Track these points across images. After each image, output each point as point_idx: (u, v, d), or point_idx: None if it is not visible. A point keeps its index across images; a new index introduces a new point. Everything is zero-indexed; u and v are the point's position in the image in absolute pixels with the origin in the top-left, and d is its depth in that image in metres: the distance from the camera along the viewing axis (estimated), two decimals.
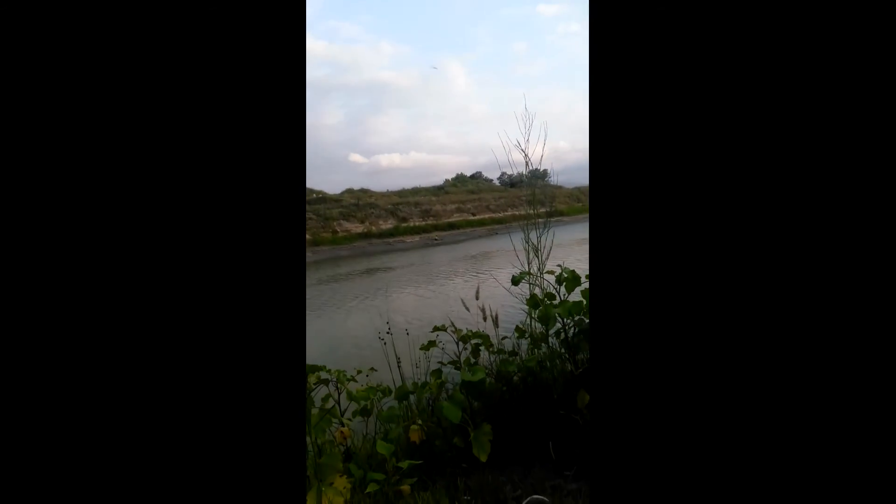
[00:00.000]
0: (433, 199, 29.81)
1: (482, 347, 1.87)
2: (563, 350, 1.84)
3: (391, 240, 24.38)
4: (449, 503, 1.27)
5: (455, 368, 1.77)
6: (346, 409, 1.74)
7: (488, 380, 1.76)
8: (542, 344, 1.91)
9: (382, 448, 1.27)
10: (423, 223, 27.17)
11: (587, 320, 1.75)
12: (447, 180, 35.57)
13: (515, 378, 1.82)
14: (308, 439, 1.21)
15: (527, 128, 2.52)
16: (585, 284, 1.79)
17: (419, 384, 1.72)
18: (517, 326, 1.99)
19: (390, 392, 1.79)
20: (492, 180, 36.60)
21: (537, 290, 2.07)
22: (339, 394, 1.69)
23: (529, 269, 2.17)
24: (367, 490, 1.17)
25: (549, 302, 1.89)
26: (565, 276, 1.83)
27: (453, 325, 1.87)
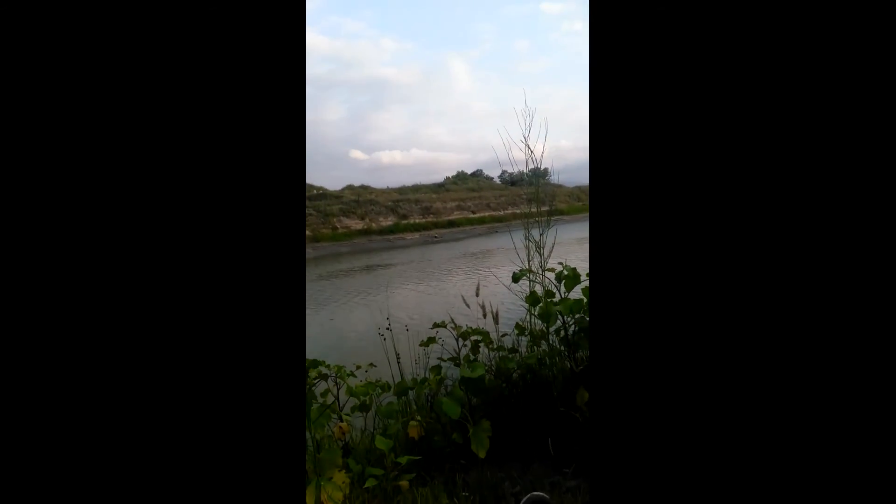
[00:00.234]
0: (433, 196, 29.78)
1: (482, 344, 1.87)
2: (562, 348, 1.84)
3: (391, 237, 24.38)
4: (447, 499, 1.27)
5: (455, 365, 1.77)
6: (344, 404, 1.73)
7: (488, 376, 1.75)
8: (542, 341, 1.91)
9: (381, 443, 1.27)
10: (424, 220, 27.16)
11: (587, 318, 1.74)
12: (448, 178, 35.54)
13: (515, 375, 1.82)
14: (308, 434, 1.21)
15: (528, 125, 2.51)
16: (585, 282, 1.78)
17: (418, 380, 1.72)
18: (517, 324, 1.99)
19: (389, 387, 1.79)
20: (493, 178, 36.57)
21: (538, 288, 2.07)
22: (339, 389, 1.69)
23: (530, 267, 2.17)
24: (366, 485, 1.17)
25: (549, 299, 1.89)
26: (566, 273, 1.83)
27: (453, 322, 1.87)
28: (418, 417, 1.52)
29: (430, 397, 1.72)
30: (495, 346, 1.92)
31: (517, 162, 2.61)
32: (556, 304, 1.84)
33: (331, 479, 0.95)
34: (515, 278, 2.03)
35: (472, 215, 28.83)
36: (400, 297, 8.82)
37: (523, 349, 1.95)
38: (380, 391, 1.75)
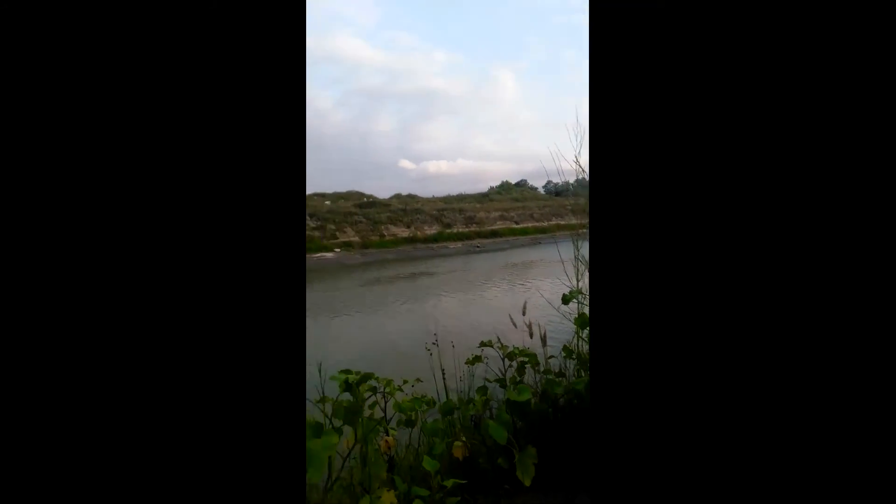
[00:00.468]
0: (477, 206, 29.80)
1: (528, 365, 1.84)
2: None
3: (435, 245, 24.65)
4: None
5: (500, 386, 1.76)
6: (391, 418, 1.77)
7: (534, 400, 1.72)
8: None
9: (428, 464, 1.28)
10: (467, 230, 27.21)
11: None
12: (492, 187, 35.44)
13: (562, 400, 1.77)
14: (357, 447, 1.25)
15: (577, 137, 2.46)
16: None
17: (464, 399, 1.72)
18: (565, 346, 1.93)
19: (434, 403, 1.80)
20: (537, 188, 35.99)
21: (587, 310, 2.01)
22: (386, 402, 1.73)
23: (579, 286, 2.11)
24: None
25: None
26: None
27: (500, 342, 1.86)
28: (463, 438, 1.53)
29: (475, 418, 1.71)
30: (542, 369, 1.88)
31: (564, 173, 2.57)
32: None
33: (380, 497, 0.98)
34: (566, 300, 1.98)
35: (515, 226, 28.51)
36: (443, 306, 8.87)
37: (571, 373, 1.90)
38: (426, 407, 1.77)
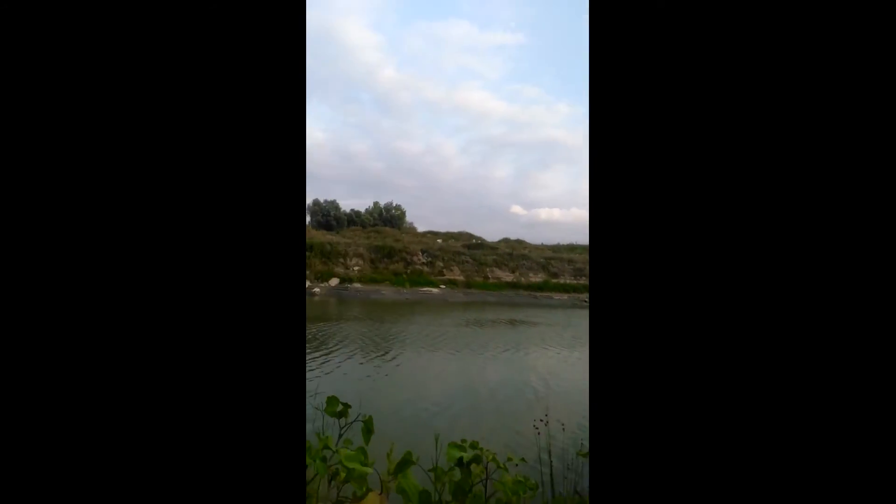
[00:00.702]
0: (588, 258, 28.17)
1: None
2: None
3: (538, 294, 23.86)
4: None
5: None
6: (490, 496, 1.68)
7: None
8: None
9: None
10: (575, 282, 25.82)
11: None
12: None
13: None
14: None
15: None
16: None
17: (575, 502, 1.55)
18: None
19: (537, 488, 1.66)
20: None
21: None
22: (487, 479, 1.65)
23: None
24: None
25: None
26: None
27: None
28: None
29: None
30: None
31: None
32: None
33: None
34: None
35: None
36: (547, 361, 8.39)
37: None
38: (530, 493, 1.64)
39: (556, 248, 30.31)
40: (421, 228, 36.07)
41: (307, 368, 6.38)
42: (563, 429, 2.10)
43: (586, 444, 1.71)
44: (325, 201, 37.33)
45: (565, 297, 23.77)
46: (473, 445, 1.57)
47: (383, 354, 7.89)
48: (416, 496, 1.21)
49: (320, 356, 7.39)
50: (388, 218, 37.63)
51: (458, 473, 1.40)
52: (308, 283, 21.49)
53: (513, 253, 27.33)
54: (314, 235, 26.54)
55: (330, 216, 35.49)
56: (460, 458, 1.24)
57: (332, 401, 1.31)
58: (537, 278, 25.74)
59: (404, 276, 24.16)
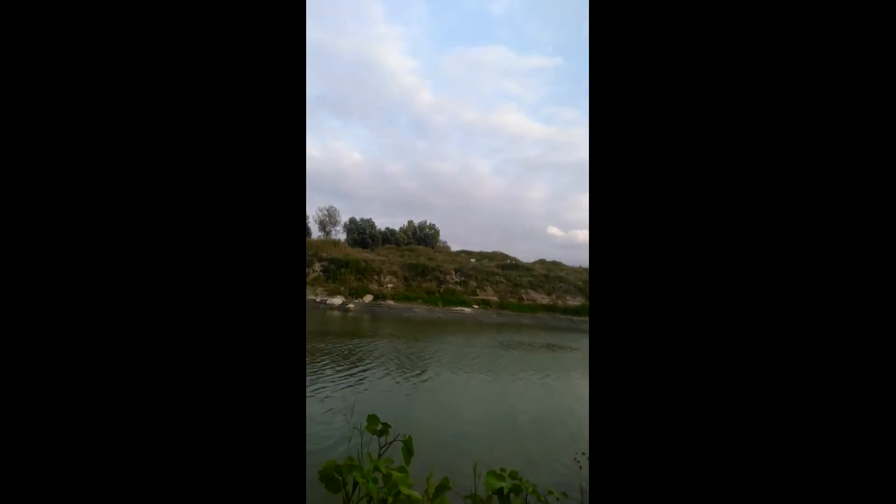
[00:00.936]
0: None
1: None
2: None
3: (576, 318, 23.09)
4: None
5: None
6: None
7: None
8: None
9: None
10: None
11: None
12: None
13: None
14: None
15: None
16: None
17: None
18: None
19: None
20: None
21: None
22: None
23: None
24: None
25: None
26: None
27: None
28: None
29: None
30: None
31: None
32: None
33: None
34: None
35: None
36: (584, 390, 8.04)
37: None
38: None
39: None
40: (454, 248, 36.25)
41: (345, 384, 6.45)
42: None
43: None
44: (361, 219, 38.46)
45: None
46: (513, 475, 1.51)
47: (419, 374, 7.84)
48: None
49: (358, 372, 7.45)
50: (421, 237, 38.15)
51: (496, 502, 1.35)
52: (342, 299, 21.97)
53: (549, 275, 26.76)
54: (350, 252, 27.27)
55: (365, 234, 36.46)
56: (500, 489, 1.19)
57: (372, 419, 1.31)
58: (575, 302, 24.97)
59: (437, 294, 24.20)
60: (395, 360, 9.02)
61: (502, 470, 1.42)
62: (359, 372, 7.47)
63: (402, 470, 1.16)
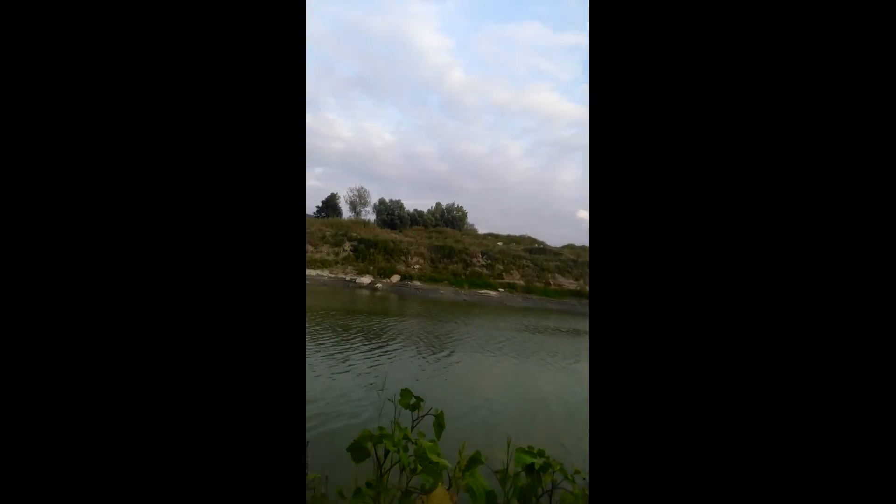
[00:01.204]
0: None
1: None
2: None
3: None
4: None
5: None
6: None
7: None
8: None
9: None
10: None
11: None
12: None
13: None
14: None
15: None
16: None
17: None
18: None
19: None
20: None
21: None
22: (553, 489, 1.60)
23: None
24: None
25: None
26: None
27: None
28: None
29: None
30: None
31: None
32: None
33: None
34: None
35: None
36: None
37: None
38: None
39: None
40: (482, 230, 36.04)
41: (375, 359, 6.64)
42: None
43: None
44: (391, 201, 38.74)
45: None
46: (541, 453, 1.53)
47: (448, 354, 7.97)
48: (483, 496, 1.21)
49: (390, 350, 7.65)
50: (449, 219, 38.10)
51: (524, 478, 1.38)
52: (371, 279, 22.44)
53: (577, 260, 26.26)
54: (379, 233, 27.65)
55: (394, 215, 36.77)
56: (531, 465, 1.22)
57: (405, 393, 1.35)
58: None
59: (463, 277, 24.29)
60: (425, 340, 9.19)
61: (530, 447, 1.44)
62: (391, 350, 7.67)
63: (434, 444, 1.20)
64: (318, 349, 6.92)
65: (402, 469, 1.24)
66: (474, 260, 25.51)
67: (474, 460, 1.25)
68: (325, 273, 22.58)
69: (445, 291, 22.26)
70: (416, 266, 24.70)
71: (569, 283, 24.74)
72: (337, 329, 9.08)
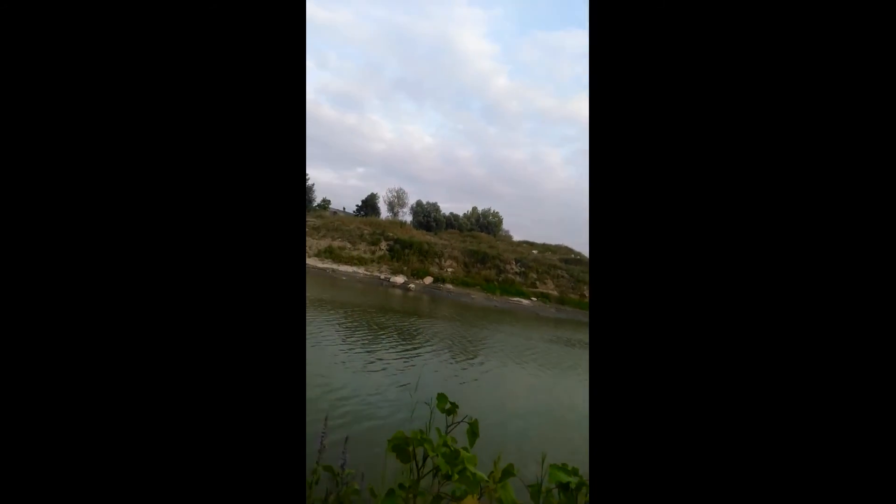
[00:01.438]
0: None
1: None
2: None
3: None
4: None
5: None
6: None
7: None
8: None
9: None
10: None
11: None
12: None
13: None
14: None
15: None
16: None
17: None
18: None
19: None
20: None
21: None
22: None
23: None
24: None
25: None
26: None
27: None
28: None
29: None
30: None
31: None
32: None
33: None
34: None
35: None
36: None
37: None
38: None
39: None
40: (517, 237, 35.65)
41: (404, 361, 6.71)
42: None
43: None
44: (427, 203, 39.18)
45: None
46: (575, 471, 1.50)
47: (482, 363, 7.93)
48: None
49: (422, 353, 7.71)
50: (484, 224, 37.99)
51: (556, 496, 1.35)
52: (404, 279, 22.73)
53: None
54: (414, 234, 27.99)
55: (430, 217, 37.13)
56: (567, 483, 1.20)
57: (441, 398, 1.37)
58: None
59: (495, 283, 24.10)
60: (460, 345, 9.19)
61: (564, 465, 1.42)
62: (423, 353, 7.72)
63: (466, 450, 1.21)
64: (352, 346, 7.08)
65: (435, 474, 1.25)
66: (507, 266, 25.26)
67: (506, 472, 1.24)
68: (360, 270, 23.12)
69: (477, 297, 22.17)
70: (449, 269, 24.78)
71: None
72: (373, 327, 9.27)
